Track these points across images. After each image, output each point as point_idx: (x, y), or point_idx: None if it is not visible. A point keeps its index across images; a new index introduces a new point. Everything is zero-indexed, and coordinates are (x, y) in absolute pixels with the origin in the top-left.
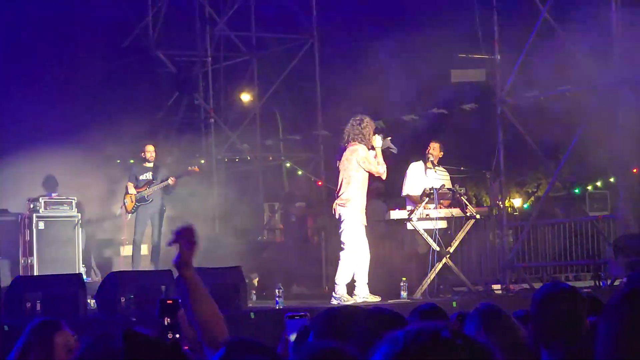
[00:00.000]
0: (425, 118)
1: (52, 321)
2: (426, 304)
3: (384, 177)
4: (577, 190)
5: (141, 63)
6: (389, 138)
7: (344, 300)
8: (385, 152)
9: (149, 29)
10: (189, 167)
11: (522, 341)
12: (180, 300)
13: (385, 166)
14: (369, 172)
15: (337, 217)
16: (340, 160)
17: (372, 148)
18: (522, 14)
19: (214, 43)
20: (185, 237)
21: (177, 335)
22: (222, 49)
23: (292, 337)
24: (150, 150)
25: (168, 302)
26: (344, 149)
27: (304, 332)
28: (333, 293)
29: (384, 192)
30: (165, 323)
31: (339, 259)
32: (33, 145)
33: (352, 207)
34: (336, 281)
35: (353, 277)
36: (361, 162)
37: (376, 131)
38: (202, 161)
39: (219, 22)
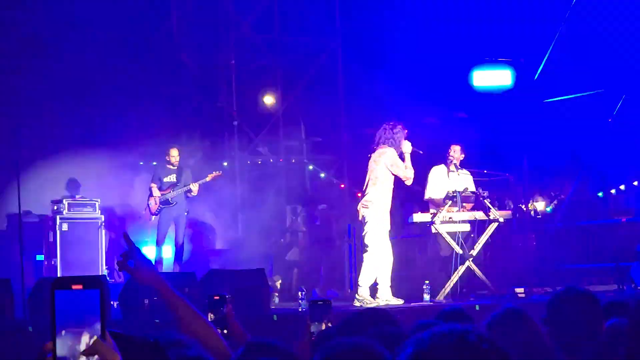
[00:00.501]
0: (447, 121)
1: None
2: (451, 306)
3: (409, 182)
4: (600, 194)
5: (164, 66)
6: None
7: (367, 303)
8: (412, 155)
9: (173, 32)
10: (213, 172)
11: (546, 344)
12: (227, 296)
13: (412, 172)
14: (396, 175)
15: (360, 219)
16: (368, 161)
17: (402, 154)
18: (548, 17)
19: (238, 46)
20: (136, 256)
21: (225, 331)
22: (246, 51)
23: (314, 326)
24: (174, 155)
25: (215, 297)
26: (373, 151)
27: (330, 336)
28: (356, 295)
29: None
30: (211, 318)
31: (362, 261)
32: (56, 147)
33: (376, 209)
34: (359, 283)
35: (375, 279)
36: (389, 165)
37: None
38: (225, 164)
39: (242, 24)
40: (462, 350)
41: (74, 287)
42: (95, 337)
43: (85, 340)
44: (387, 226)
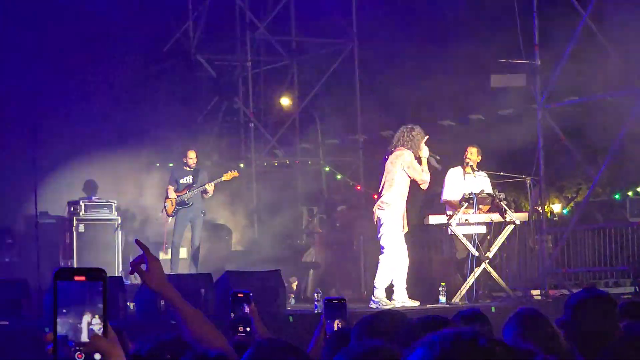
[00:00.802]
0: (463, 123)
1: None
2: (469, 309)
3: (425, 186)
4: (617, 196)
5: (181, 67)
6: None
7: (383, 305)
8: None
9: (190, 33)
10: (229, 172)
11: (562, 346)
12: (251, 294)
13: (429, 175)
14: (412, 178)
15: (375, 221)
16: (385, 163)
17: (419, 158)
18: (563, 19)
19: (254, 47)
20: (148, 260)
21: (248, 329)
22: (262, 53)
23: (335, 323)
24: (192, 157)
25: (239, 295)
26: (390, 153)
27: (343, 336)
28: (372, 297)
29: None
30: (234, 316)
31: (378, 263)
32: (73, 149)
33: (392, 211)
34: (375, 285)
35: (391, 281)
36: (406, 167)
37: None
38: (242, 165)
39: (259, 26)
40: (473, 354)
41: (76, 278)
42: (97, 325)
43: (87, 319)
44: (403, 228)
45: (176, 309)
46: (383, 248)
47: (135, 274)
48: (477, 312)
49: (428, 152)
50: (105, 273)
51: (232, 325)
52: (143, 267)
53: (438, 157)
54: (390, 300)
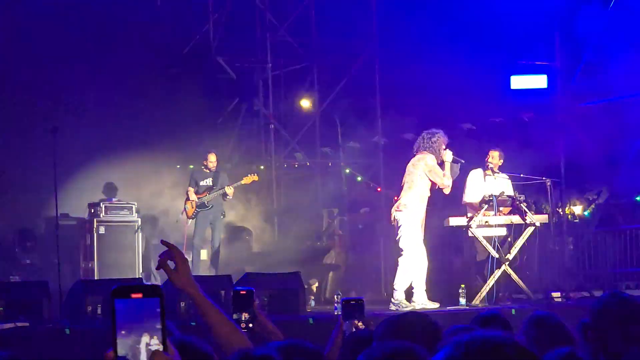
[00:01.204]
0: (485, 126)
1: None
2: (488, 310)
3: (447, 191)
4: (638, 198)
5: (201, 69)
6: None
7: (403, 307)
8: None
9: (210, 35)
10: (249, 175)
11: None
12: (253, 291)
13: (451, 181)
14: (433, 182)
15: (394, 223)
16: (406, 166)
17: (442, 163)
18: (584, 20)
19: (274, 49)
20: (176, 257)
21: (250, 325)
22: (282, 55)
23: (346, 325)
24: (212, 160)
25: (242, 292)
26: (413, 157)
27: (363, 337)
28: (391, 299)
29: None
30: (239, 313)
31: (397, 265)
32: (94, 151)
33: (410, 213)
34: (394, 287)
35: (411, 283)
36: (427, 171)
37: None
38: (262, 167)
39: (279, 28)
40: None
41: (133, 295)
42: (155, 345)
43: (145, 340)
44: (421, 230)
45: (200, 310)
46: (402, 250)
47: (161, 270)
48: (495, 314)
49: (451, 156)
50: (162, 290)
51: (235, 322)
52: (171, 265)
53: (463, 161)
54: (410, 302)
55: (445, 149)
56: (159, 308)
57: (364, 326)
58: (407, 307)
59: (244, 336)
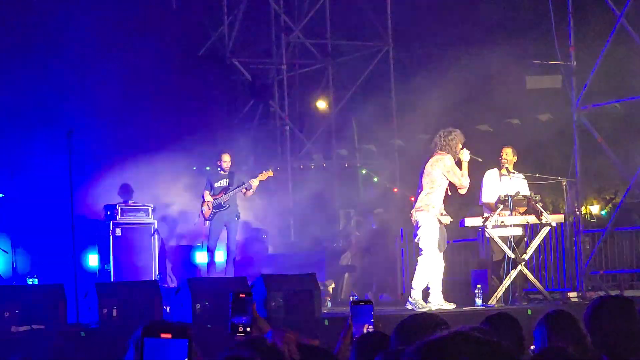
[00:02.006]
0: (500, 128)
1: None
2: (496, 311)
3: (463, 191)
4: None
5: (217, 71)
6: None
7: (419, 307)
8: (470, 162)
9: (225, 37)
10: (264, 172)
11: (589, 347)
12: (252, 294)
13: (468, 181)
14: (451, 182)
15: (414, 223)
16: (424, 166)
17: (459, 161)
18: (599, 20)
19: (289, 50)
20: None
21: (248, 329)
22: (298, 56)
23: (365, 327)
24: (226, 160)
25: (241, 295)
26: (431, 157)
27: (373, 339)
28: (409, 298)
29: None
30: (237, 316)
31: (415, 265)
32: (110, 153)
33: (430, 213)
34: (412, 285)
35: (427, 284)
36: (446, 172)
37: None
38: (278, 168)
39: (294, 29)
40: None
41: (162, 335)
42: None
43: None
44: (441, 231)
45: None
46: (421, 250)
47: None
48: (503, 314)
49: (469, 155)
50: (191, 331)
51: (232, 325)
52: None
53: (480, 160)
54: (426, 303)
55: (462, 148)
56: (187, 350)
57: (372, 328)
58: (424, 307)
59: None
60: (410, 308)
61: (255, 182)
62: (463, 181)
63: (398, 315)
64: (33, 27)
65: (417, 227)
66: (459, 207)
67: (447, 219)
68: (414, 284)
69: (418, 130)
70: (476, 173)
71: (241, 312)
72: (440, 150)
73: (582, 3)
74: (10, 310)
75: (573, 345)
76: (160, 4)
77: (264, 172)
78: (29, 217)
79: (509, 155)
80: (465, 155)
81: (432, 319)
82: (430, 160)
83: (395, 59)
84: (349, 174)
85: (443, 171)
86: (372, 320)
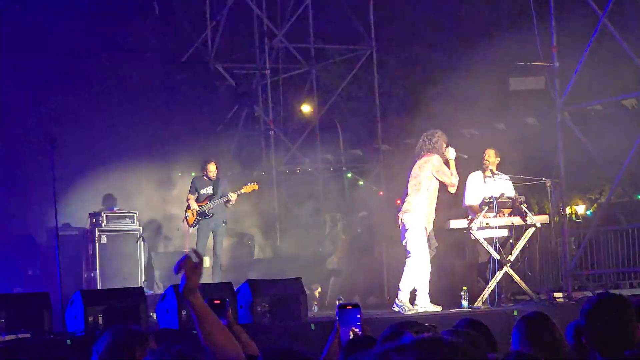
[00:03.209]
0: (485, 131)
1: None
2: (462, 319)
3: (453, 190)
4: None
5: (200, 77)
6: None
7: (406, 309)
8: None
9: (208, 42)
10: (249, 184)
11: (564, 350)
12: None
13: (457, 179)
14: (441, 182)
15: (400, 225)
16: (411, 168)
17: (447, 160)
18: (581, 20)
19: (273, 55)
20: (187, 266)
21: None
22: (281, 61)
23: (351, 331)
24: (212, 170)
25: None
26: (416, 160)
27: (361, 343)
28: (396, 299)
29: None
30: None
31: (403, 267)
32: (94, 160)
33: (418, 215)
34: (400, 288)
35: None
36: (435, 172)
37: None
38: (263, 173)
39: (277, 34)
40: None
41: None
42: None
43: None
44: (427, 233)
45: (198, 317)
46: (409, 252)
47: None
48: (469, 321)
49: (455, 153)
50: None
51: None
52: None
53: (466, 156)
54: (412, 306)
55: (447, 147)
56: None
57: (360, 332)
58: (410, 310)
59: (237, 345)
60: (397, 310)
61: (233, 196)
62: (453, 179)
63: (386, 319)
64: (13, 36)
65: (404, 230)
66: (444, 209)
67: (429, 224)
68: (402, 286)
69: (403, 134)
70: (461, 175)
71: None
72: (428, 152)
73: (564, 4)
74: None
75: (547, 348)
76: (142, 10)
77: (248, 184)
78: (13, 224)
79: (491, 157)
80: (451, 153)
81: (420, 327)
82: (418, 162)
83: (379, 62)
84: (334, 178)
85: (432, 171)
86: (359, 323)
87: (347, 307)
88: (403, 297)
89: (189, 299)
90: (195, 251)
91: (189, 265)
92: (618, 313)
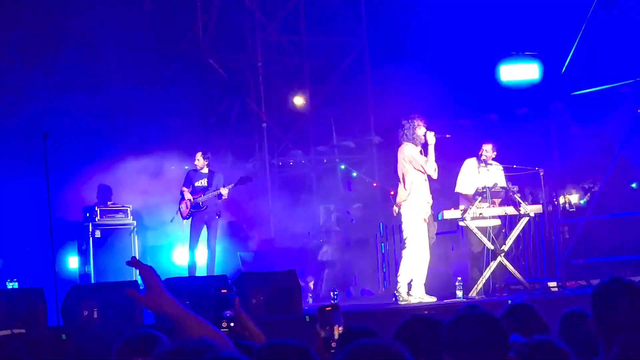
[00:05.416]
0: (478, 122)
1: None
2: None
3: (434, 175)
4: (634, 185)
5: (192, 70)
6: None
7: (401, 300)
8: (441, 141)
9: (199, 36)
10: (242, 177)
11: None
12: (234, 289)
13: (435, 165)
14: (420, 170)
15: (396, 216)
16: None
17: (426, 146)
18: (574, 8)
19: (265, 48)
20: (145, 278)
21: (232, 324)
22: (273, 53)
23: (325, 332)
24: (198, 159)
25: (223, 290)
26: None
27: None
28: (395, 291)
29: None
30: (220, 312)
31: (400, 258)
32: (87, 154)
33: (408, 205)
34: (397, 278)
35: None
36: (407, 162)
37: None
38: (256, 165)
39: (269, 26)
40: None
41: None
42: None
43: None
44: (425, 221)
45: (182, 325)
46: (405, 242)
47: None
48: (474, 306)
49: (434, 138)
50: None
51: (215, 323)
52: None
53: (448, 135)
54: (407, 296)
55: (426, 132)
56: None
57: (342, 328)
58: (404, 300)
59: (225, 339)
60: (393, 300)
61: (225, 191)
62: (428, 167)
63: (383, 310)
64: (4, 29)
65: (401, 222)
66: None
67: (426, 213)
68: (399, 277)
69: (395, 125)
70: (456, 163)
71: (224, 307)
72: (405, 140)
73: None
74: None
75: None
76: (133, 4)
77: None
78: (6, 220)
79: (488, 152)
80: (430, 138)
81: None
82: (398, 153)
83: (371, 53)
84: (327, 169)
85: (405, 160)
86: (341, 320)
87: (326, 309)
88: (400, 287)
89: (165, 311)
90: (134, 260)
91: (150, 277)
92: (630, 298)
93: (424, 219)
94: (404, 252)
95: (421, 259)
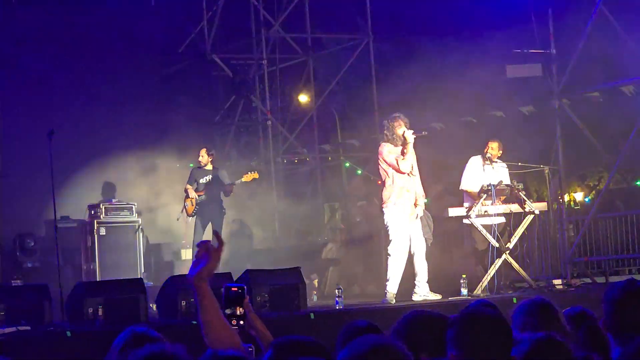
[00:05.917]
0: (483, 119)
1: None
2: (474, 302)
3: (408, 173)
4: (638, 183)
5: (197, 67)
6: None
7: (389, 301)
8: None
9: (204, 33)
10: (249, 173)
11: (566, 333)
12: (245, 287)
13: (408, 163)
14: (395, 169)
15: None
16: None
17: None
18: (578, 6)
19: (270, 45)
20: (209, 250)
21: (242, 322)
22: (278, 50)
23: (229, 310)
24: (203, 155)
25: (233, 289)
26: None
27: (362, 329)
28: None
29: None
30: (228, 310)
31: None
32: (92, 152)
33: (389, 206)
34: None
35: (416, 275)
36: (382, 161)
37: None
38: (259, 163)
39: (273, 23)
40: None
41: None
42: None
43: None
44: (416, 217)
45: (201, 304)
46: (389, 242)
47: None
48: (485, 302)
49: (412, 136)
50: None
51: (226, 319)
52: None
53: (425, 132)
54: (412, 294)
55: (405, 131)
56: None
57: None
58: (390, 302)
59: (236, 337)
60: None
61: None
62: (401, 166)
63: (388, 309)
64: (10, 29)
65: (384, 222)
66: (440, 195)
67: (420, 210)
68: (387, 276)
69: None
70: (460, 160)
71: (234, 304)
72: (383, 141)
73: None
74: None
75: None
76: (138, 2)
77: (249, 173)
78: (12, 216)
79: (494, 149)
80: (408, 136)
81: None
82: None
83: (376, 51)
84: (332, 167)
85: (381, 161)
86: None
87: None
88: (388, 286)
89: (198, 285)
90: (216, 234)
91: (211, 249)
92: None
93: (410, 218)
94: (389, 249)
95: (400, 259)
